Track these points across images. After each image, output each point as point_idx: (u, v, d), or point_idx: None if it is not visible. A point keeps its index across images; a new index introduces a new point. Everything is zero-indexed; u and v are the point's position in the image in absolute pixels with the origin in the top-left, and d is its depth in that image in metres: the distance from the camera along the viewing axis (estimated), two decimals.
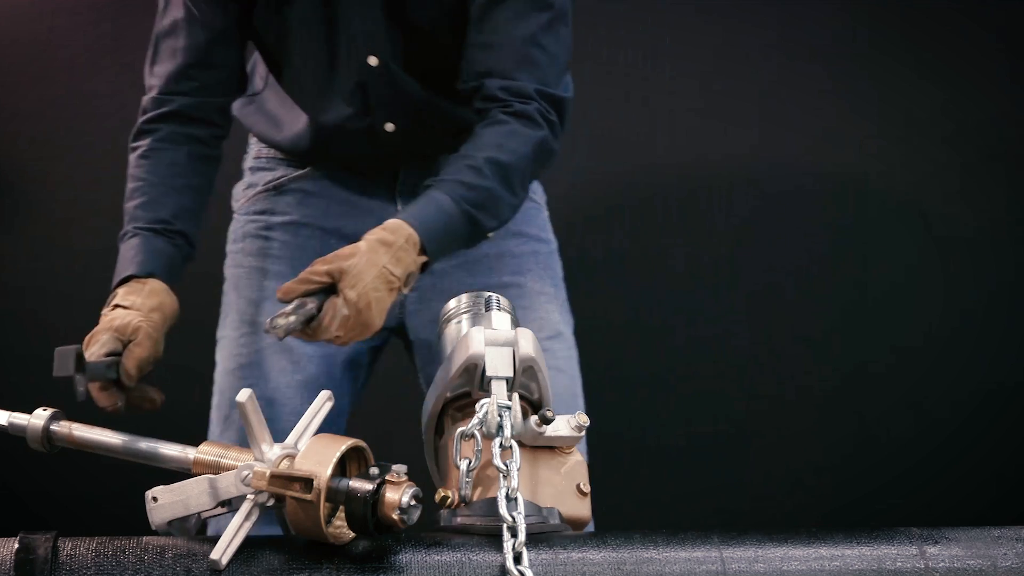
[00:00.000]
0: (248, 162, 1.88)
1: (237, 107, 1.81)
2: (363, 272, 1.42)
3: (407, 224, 1.48)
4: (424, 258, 1.49)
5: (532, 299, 1.76)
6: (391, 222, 1.49)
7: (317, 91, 1.72)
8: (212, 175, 1.69)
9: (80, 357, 1.40)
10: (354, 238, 1.71)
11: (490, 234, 1.59)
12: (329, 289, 1.43)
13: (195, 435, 1.64)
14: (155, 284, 1.53)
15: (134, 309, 1.49)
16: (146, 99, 1.69)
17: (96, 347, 1.44)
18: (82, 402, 1.42)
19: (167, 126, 1.66)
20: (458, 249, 1.58)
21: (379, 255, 1.44)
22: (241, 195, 1.86)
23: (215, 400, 1.75)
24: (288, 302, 1.41)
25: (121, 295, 1.51)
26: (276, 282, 1.72)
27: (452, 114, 1.74)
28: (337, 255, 1.45)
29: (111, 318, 1.48)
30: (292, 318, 1.38)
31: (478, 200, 1.53)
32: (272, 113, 1.81)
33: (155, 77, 1.69)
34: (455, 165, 1.56)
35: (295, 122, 1.78)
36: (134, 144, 1.68)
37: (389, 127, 1.72)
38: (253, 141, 1.88)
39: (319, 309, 1.41)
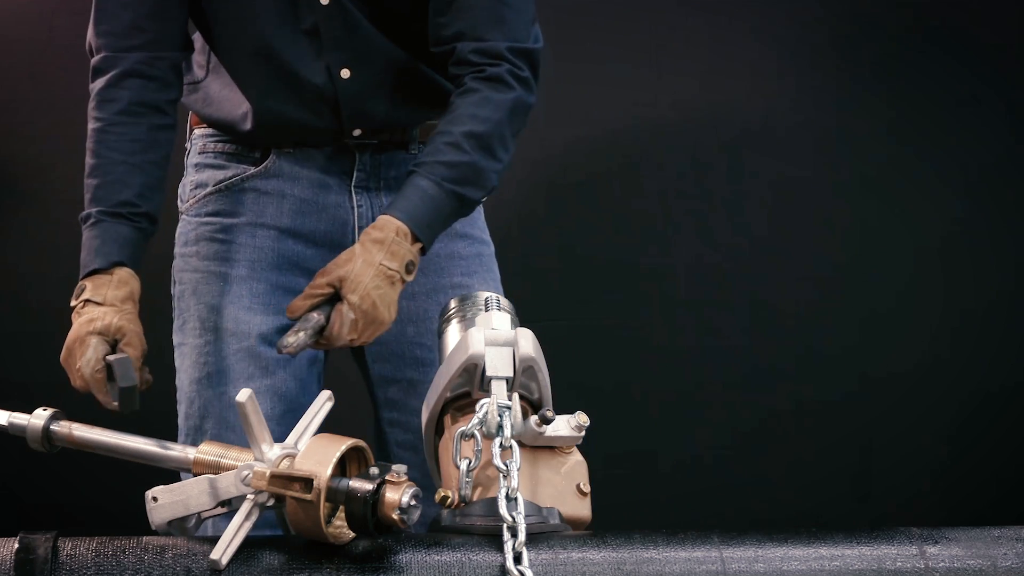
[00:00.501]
0: (193, 158, 1.81)
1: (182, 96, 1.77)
2: (361, 274, 1.48)
3: (394, 218, 1.53)
4: (419, 244, 1.54)
5: None
6: (380, 219, 1.54)
7: (273, 35, 1.67)
8: (172, 143, 1.67)
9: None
10: (311, 237, 1.73)
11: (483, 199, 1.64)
12: (334, 298, 1.49)
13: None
14: (122, 273, 1.54)
15: (107, 304, 1.50)
16: (96, 60, 1.65)
17: (90, 352, 1.45)
18: (108, 408, 1.45)
19: (125, 93, 1.62)
20: (449, 224, 1.62)
21: (373, 254, 1.50)
22: (189, 195, 1.79)
23: (183, 410, 1.71)
24: (297, 319, 1.47)
25: (90, 290, 1.52)
26: (237, 286, 1.70)
27: (421, 74, 1.72)
28: (335, 263, 1.51)
29: (90, 319, 1.48)
30: (301, 334, 1.45)
31: (461, 177, 1.58)
32: (220, 94, 1.76)
33: (102, 36, 1.66)
34: (434, 144, 1.59)
35: (244, 101, 1.73)
36: (94, 115, 1.64)
37: (345, 73, 1.68)
38: (198, 135, 1.81)
39: (328, 319, 1.48)
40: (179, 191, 1.82)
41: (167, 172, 1.66)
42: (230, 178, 1.76)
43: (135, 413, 1.45)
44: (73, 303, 1.52)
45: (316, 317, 1.47)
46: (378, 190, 1.76)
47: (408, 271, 1.52)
